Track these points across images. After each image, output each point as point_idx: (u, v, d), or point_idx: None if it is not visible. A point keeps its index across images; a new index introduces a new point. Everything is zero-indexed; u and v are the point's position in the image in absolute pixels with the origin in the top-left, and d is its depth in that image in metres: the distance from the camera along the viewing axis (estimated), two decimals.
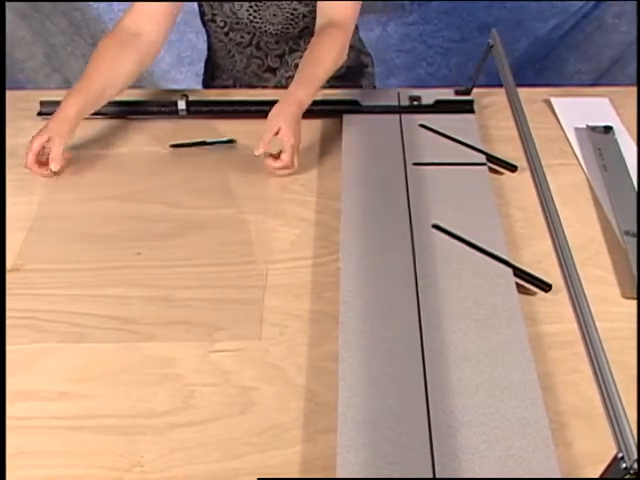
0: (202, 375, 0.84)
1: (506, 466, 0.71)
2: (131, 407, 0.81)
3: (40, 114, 1.32)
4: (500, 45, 1.17)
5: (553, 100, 1.35)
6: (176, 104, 1.29)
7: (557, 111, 1.32)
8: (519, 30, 2.29)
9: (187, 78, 2.48)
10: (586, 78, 2.31)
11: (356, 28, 1.50)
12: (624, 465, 0.56)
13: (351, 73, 1.52)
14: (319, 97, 1.36)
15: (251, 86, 1.49)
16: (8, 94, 1.40)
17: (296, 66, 1.37)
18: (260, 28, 1.36)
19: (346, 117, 1.28)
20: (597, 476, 0.60)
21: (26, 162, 1.14)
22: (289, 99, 1.15)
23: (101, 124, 1.30)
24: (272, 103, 1.32)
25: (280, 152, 1.13)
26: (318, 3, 1.29)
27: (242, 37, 1.39)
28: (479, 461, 0.71)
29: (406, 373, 0.80)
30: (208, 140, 1.23)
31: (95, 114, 1.31)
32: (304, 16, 1.34)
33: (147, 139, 1.26)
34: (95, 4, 2.29)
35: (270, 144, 1.11)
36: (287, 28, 1.36)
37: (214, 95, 1.38)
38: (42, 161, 1.15)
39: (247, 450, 0.76)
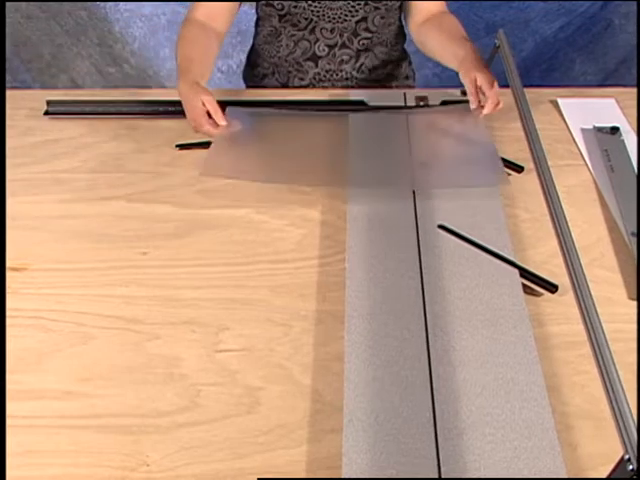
0: (208, 375, 0.84)
1: (512, 467, 0.71)
2: (137, 406, 0.81)
3: (47, 113, 1.32)
4: (507, 45, 1.17)
5: (560, 101, 1.35)
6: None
7: (564, 112, 1.32)
8: (526, 30, 2.27)
9: None
10: (593, 79, 2.31)
11: (405, 38, 1.54)
12: (631, 467, 0.56)
13: (394, 79, 1.55)
14: (325, 97, 1.37)
15: (288, 78, 1.50)
16: (15, 94, 1.40)
17: (340, 62, 1.43)
18: (318, 12, 1.38)
19: (352, 117, 1.28)
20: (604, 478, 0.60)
21: (207, 131, 1.17)
22: (465, 56, 1.23)
23: (108, 124, 1.30)
24: (276, 103, 1.33)
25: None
26: (412, 4, 1.40)
27: (299, 21, 1.40)
28: (485, 462, 0.71)
29: (412, 373, 0.80)
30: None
31: (102, 113, 1.32)
32: (365, 4, 1.36)
33: (154, 139, 1.26)
34: (102, 4, 2.29)
35: (477, 95, 1.20)
36: (346, 15, 1.38)
37: (220, 95, 1.38)
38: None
39: (253, 449, 0.76)
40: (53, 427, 0.79)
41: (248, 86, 1.61)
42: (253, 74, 1.58)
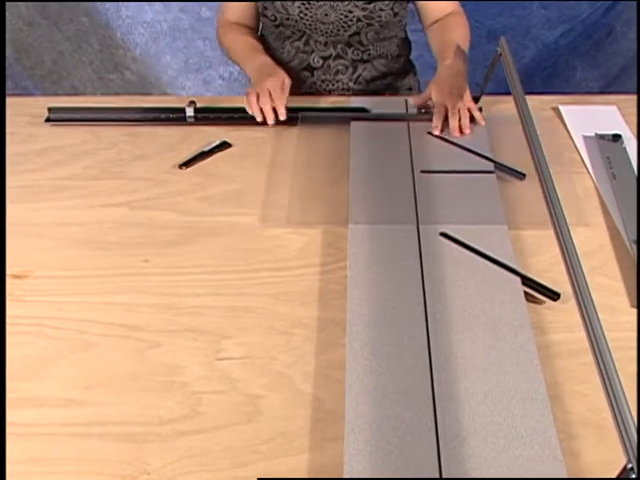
0: (209, 383, 0.84)
1: (514, 475, 0.71)
2: (138, 414, 0.81)
3: (48, 120, 1.32)
4: (508, 53, 1.17)
5: (562, 108, 1.35)
6: (184, 111, 1.29)
7: (566, 119, 1.32)
8: (527, 37, 2.28)
9: (195, 85, 2.48)
10: (594, 86, 2.31)
11: (409, 43, 1.55)
12: (633, 476, 0.56)
13: (395, 91, 1.57)
14: (327, 104, 1.37)
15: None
16: (16, 101, 1.41)
17: (336, 72, 1.44)
18: (310, 26, 1.38)
19: (354, 124, 1.28)
20: None
21: (263, 104, 1.24)
22: (442, 71, 1.30)
23: (109, 131, 1.30)
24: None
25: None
26: (423, 4, 1.42)
27: (293, 33, 1.42)
28: (486, 470, 0.71)
29: (413, 381, 0.80)
30: (205, 149, 1.22)
31: (104, 120, 1.32)
32: (358, 20, 1.36)
33: (155, 145, 1.27)
34: (103, 10, 2.29)
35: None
36: (338, 30, 1.39)
37: (222, 102, 1.38)
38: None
39: (254, 458, 0.76)
40: (55, 435, 0.79)
41: None
42: None
